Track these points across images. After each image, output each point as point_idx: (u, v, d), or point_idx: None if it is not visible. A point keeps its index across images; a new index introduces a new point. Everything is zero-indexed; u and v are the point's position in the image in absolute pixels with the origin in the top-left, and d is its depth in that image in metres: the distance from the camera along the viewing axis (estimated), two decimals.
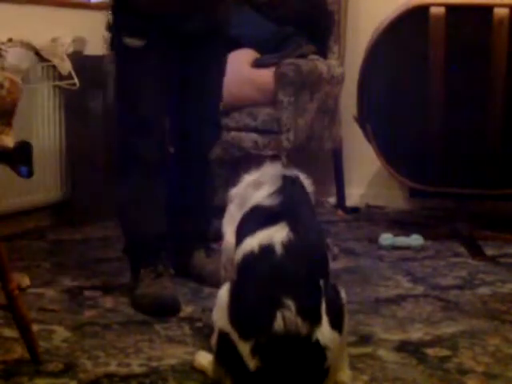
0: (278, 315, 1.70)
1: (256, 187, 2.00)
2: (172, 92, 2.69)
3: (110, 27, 2.68)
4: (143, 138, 2.63)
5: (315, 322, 1.72)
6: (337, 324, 1.76)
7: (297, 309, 1.70)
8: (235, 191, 2.10)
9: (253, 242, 1.83)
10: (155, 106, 2.64)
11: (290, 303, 1.71)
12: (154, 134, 2.65)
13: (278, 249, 1.79)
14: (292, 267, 1.78)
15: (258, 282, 1.78)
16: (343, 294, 1.83)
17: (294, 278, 1.77)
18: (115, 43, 2.65)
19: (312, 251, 1.84)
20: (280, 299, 1.71)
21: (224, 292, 1.82)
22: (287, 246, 1.79)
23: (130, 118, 2.66)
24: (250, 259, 1.82)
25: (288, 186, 1.97)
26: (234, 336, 1.74)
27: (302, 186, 2.05)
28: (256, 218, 1.90)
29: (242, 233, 1.92)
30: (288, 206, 1.90)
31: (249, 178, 2.08)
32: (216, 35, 2.69)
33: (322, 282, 1.78)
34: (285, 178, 2.00)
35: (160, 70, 2.62)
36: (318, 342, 1.71)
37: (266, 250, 1.80)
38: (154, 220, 2.68)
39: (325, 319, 1.74)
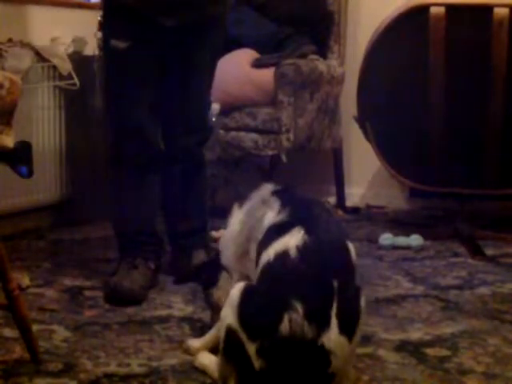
0: (285, 317, 1.69)
1: (261, 219, 1.96)
2: (159, 92, 2.70)
3: (102, 28, 2.72)
4: (130, 140, 2.69)
5: (322, 325, 1.70)
6: (347, 329, 1.73)
7: (304, 311, 1.68)
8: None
9: (269, 253, 1.81)
10: (143, 106, 2.66)
11: (298, 305, 1.69)
12: (141, 136, 2.68)
13: (293, 252, 1.76)
14: (304, 268, 1.75)
15: (270, 283, 1.76)
16: (363, 301, 1.78)
17: (305, 279, 1.74)
18: (103, 45, 2.69)
19: (327, 251, 1.80)
20: (289, 301, 1.70)
21: (236, 291, 1.80)
22: (302, 248, 1.76)
23: (118, 119, 2.70)
24: (266, 268, 1.80)
25: (289, 198, 1.95)
26: (242, 335, 1.74)
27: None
28: (271, 235, 1.87)
29: (260, 252, 1.90)
30: (299, 212, 1.88)
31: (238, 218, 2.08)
32: (205, 34, 2.69)
33: (335, 283, 1.74)
34: (276, 192, 1.99)
35: (146, 71, 2.64)
36: (323, 346, 1.69)
37: (281, 255, 1.78)
38: (137, 216, 2.76)
39: (334, 323, 1.70)
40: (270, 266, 1.79)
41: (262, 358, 1.70)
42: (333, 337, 1.70)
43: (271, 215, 1.92)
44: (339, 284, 1.74)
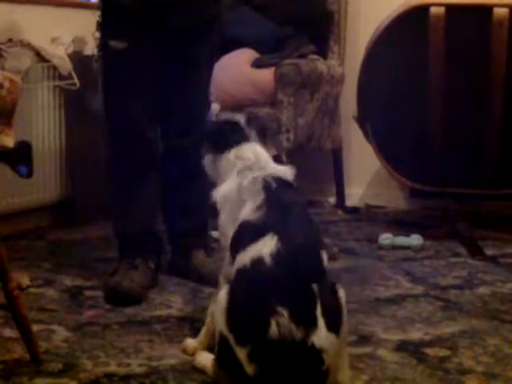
0: (272, 322, 1.71)
1: (240, 203, 1.96)
2: (158, 92, 2.70)
3: (100, 28, 2.73)
4: (128, 140, 2.69)
5: (310, 326, 1.72)
6: (334, 325, 1.76)
7: (290, 315, 1.71)
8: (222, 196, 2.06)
9: (244, 258, 1.83)
10: (142, 106, 2.67)
11: (283, 310, 1.71)
12: (140, 135, 2.69)
13: (268, 260, 1.79)
14: (282, 276, 1.77)
15: (250, 291, 1.78)
16: (342, 294, 1.82)
17: (285, 286, 1.76)
18: (101, 45, 2.69)
19: (302, 257, 1.82)
20: (273, 307, 1.72)
21: (223, 295, 1.82)
22: (276, 256, 1.79)
23: (117, 119, 2.70)
24: (242, 273, 1.82)
25: (271, 194, 1.92)
26: (231, 340, 1.75)
27: (289, 186, 1.99)
28: (245, 235, 1.89)
29: (235, 250, 1.91)
30: (274, 215, 1.88)
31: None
32: (203, 33, 2.69)
33: (315, 286, 1.77)
34: (267, 186, 1.94)
35: (145, 71, 2.65)
36: (313, 345, 1.71)
37: (257, 262, 1.80)
38: (137, 215, 2.76)
39: (321, 322, 1.73)
40: (246, 272, 1.81)
41: (254, 363, 1.71)
42: (322, 335, 1.73)
43: (249, 207, 1.92)
44: (318, 286, 1.78)
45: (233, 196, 2.00)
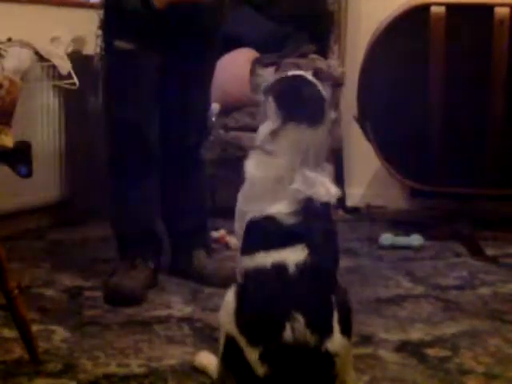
0: (287, 326, 1.70)
1: (274, 195, 1.82)
2: (159, 92, 2.70)
3: (102, 27, 2.72)
4: (129, 140, 2.69)
5: (325, 333, 1.72)
6: (346, 329, 1.75)
7: (306, 322, 1.70)
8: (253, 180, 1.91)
9: (266, 258, 1.77)
10: (143, 106, 2.66)
11: (299, 317, 1.70)
12: (140, 136, 2.68)
13: (292, 269, 1.75)
14: (304, 286, 1.75)
15: (268, 295, 1.75)
16: (350, 297, 1.81)
17: (306, 296, 1.75)
18: (105, 45, 2.68)
19: (325, 272, 1.80)
20: (289, 312, 1.71)
21: (231, 296, 1.80)
22: (302, 267, 1.75)
23: (118, 119, 2.69)
24: (261, 271, 1.78)
25: (309, 206, 1.82)
26: (242, 341, 1.74)
27: (327, 206, 1.88)
28: (272, 233, 1.80)
29: (253, 240, 1.84)
30: (307, 226, 1.80)
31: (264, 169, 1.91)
32: (205, 36, 2.69)
33: (333, 298, 1.76)
34: (307, 198, 1.82)
35: (148, 72, 2.64)
36: (327, 350, 1.71)
37: (279, 267, 1.75)
38: (137, 216, 2.76)
39: (336, 329, 1.73)
40: (266, 273, 1.77)
41: (266, 363, 1.70)
42: (336, 340, 1.72)
43: (281, 207, 1.81)
44: (336, 298, 1.76)
45: (263, 185, 1.85)
